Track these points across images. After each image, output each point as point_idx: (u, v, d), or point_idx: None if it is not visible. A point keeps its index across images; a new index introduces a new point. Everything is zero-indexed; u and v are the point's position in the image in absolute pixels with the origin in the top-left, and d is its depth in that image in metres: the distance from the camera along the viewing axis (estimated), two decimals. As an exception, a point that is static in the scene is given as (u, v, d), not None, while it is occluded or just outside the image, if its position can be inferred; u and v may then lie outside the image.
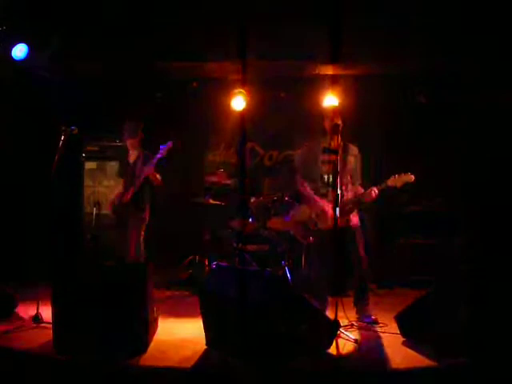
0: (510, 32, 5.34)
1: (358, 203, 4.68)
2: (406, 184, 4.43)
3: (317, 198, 4.72)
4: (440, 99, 6.86)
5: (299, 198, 6.11)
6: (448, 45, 5.73)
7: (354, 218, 4.73)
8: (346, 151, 4.73)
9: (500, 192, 6.37)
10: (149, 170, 5.19)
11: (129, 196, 5.28)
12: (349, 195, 4.68)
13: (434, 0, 5.38)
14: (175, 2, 5.76)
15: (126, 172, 5.49)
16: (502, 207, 6.31)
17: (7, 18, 5.90)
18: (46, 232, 4.44)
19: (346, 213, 4.58)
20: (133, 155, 5.45)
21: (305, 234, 4.74)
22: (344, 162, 4.67)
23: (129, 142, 5.44)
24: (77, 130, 4.73)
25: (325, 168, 4.75)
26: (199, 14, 6.01)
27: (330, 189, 4.64)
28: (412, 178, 4.42)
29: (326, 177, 4.75)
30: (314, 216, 4.72)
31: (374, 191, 4.48)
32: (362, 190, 4.66)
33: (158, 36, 6.11)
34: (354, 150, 4.84)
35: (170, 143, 5.19)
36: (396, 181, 4.44)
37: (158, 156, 5.14)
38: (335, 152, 4.42)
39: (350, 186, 4.74)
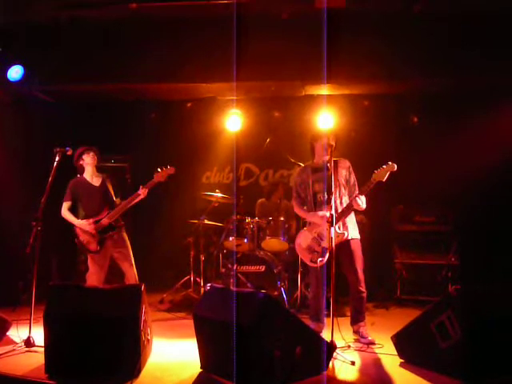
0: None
1: (346, 213, 4.60)
2: (391, 175, 4.31)
3: (313, 217, 4.73)
4: (433, 119, 6.91)
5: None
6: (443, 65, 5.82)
7: (353, 231, 4.69)
8: (335, 167, 4.69)
9: (495, 212, 6.39)
10: (143, 193, 5.06)
11: (111, 219, 5.10)
12: (343, 208, 4.64)
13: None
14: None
15: (92, 195, 5.24)
16: (497, 227, 6.33)
17: (3, 39, 5.98)
18: (40, 254, 4.38)
19: (342, 224, 4.58)
20: (97, 179, 5.31)
21: (312, 258, 4.68)
22: (335, 176, 4.62)
23: (96, 166, 5.33)
24: (71, 151, 4.72)
25: (316, 187, 4.78)
26: (193, 39, 6.12)
27: (324, 206, 4.65)
28: (394, 166, 4.30)
29: (318, 196, 4.77)
30: (316, 236, 4.72)
31: (358, 196, 4.43)
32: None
33: (154, 60, 6.18)
34: (345, 163, 4.82)
35: (172, 168, 5.12)
36: (379, 174, 4.34)
37: (157, 180, 5.05)
38: (323, 170, 4.41)
39: (344, 199, 4.71)
